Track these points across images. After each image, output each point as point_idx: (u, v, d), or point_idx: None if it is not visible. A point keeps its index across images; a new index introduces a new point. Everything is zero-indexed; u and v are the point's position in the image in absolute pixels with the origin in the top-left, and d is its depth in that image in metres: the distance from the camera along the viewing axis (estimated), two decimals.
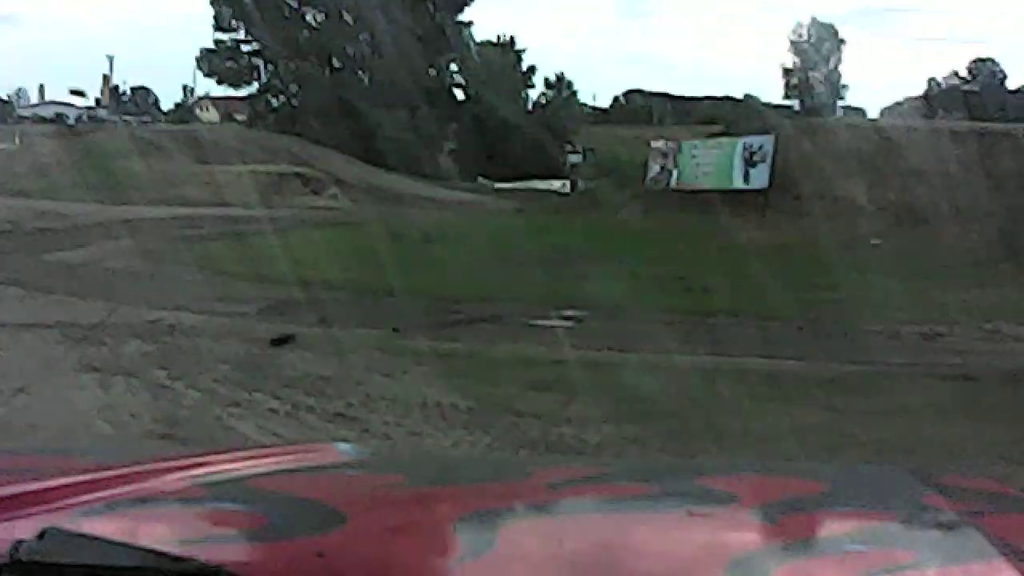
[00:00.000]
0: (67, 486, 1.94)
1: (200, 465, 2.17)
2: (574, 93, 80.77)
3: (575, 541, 1.87)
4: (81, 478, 2.00)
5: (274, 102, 70.32)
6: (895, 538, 1.92)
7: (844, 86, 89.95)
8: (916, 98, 78.97)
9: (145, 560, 1.53)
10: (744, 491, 2.21)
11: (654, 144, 45.40)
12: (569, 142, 68.59)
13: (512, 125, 63.25)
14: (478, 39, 72.53)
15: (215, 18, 70.21)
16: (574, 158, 63.73)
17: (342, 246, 29.07)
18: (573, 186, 58.75)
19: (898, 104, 79.60)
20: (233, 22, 69.51)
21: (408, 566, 1.72)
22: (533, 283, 21.30)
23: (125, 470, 2.08)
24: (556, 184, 60.07)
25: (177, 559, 1.53)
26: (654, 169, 43.85)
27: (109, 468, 2.09)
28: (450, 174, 61.83)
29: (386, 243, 27.24)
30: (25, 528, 1.61)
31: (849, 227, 31.63)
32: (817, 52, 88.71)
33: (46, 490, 1.90)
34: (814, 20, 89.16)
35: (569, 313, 18.55)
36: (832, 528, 1.98)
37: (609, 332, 16.52)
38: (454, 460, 3.47)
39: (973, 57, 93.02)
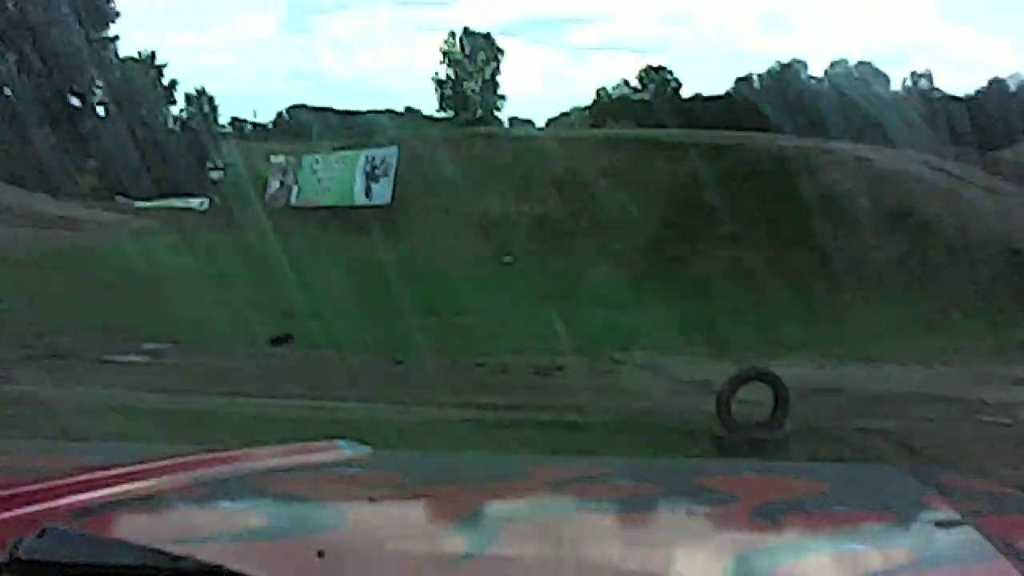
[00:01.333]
0: (66, 485, 1.90)
1: (200, 465, 2.14)
2: (215, 108, 79.69)
3: (575, 541, 1.88)
4: (80, 477, 1.95)
5: None
6: (895, 538, 1.99)
7: (502, 97, 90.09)
8: (585, 108, 79.90)
9: (144, 559, 1.51)
10: (744, 491, 2.23)
11: (273, 160, 43.71)
12: (211, 159, 67.49)
13: (152, 142, 61.66)
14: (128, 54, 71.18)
15: None
16: (216, 175, 62.31)
17: None
18: (212, 204, 57.62)
19: (565, 115, 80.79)
20: None
21: (408, 566, 1.72)
22: (126, 312, 19.92)
23: (125, 469, 2.03)
24: (194, 202, 58.29)
25: (176, 558, 1.51)
26: (273, 186, 42.18)
27: (109, 468, 2.04)
28: (91, 193, 59.97)
29: None
30: (24, 527, 1.57)
31: (481, 244, 30.09)
32: (472, 63, 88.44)
33: (46, 489, 1.86)
34: (467, 30, 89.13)
35: (151, 347, 17.58)
36: (832, 528, 2.01)
37: (187, 369, 15.50)
38: (454, 460, 3.41)
39: (644, 66, 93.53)
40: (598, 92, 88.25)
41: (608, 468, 2.65)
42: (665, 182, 29.53)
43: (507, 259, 29.03)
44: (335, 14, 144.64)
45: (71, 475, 1.96)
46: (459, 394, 14.33)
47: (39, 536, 1.52)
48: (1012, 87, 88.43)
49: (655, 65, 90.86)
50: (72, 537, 1.56)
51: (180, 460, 2.17)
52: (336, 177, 39.77)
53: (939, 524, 1.99)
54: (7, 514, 1.74)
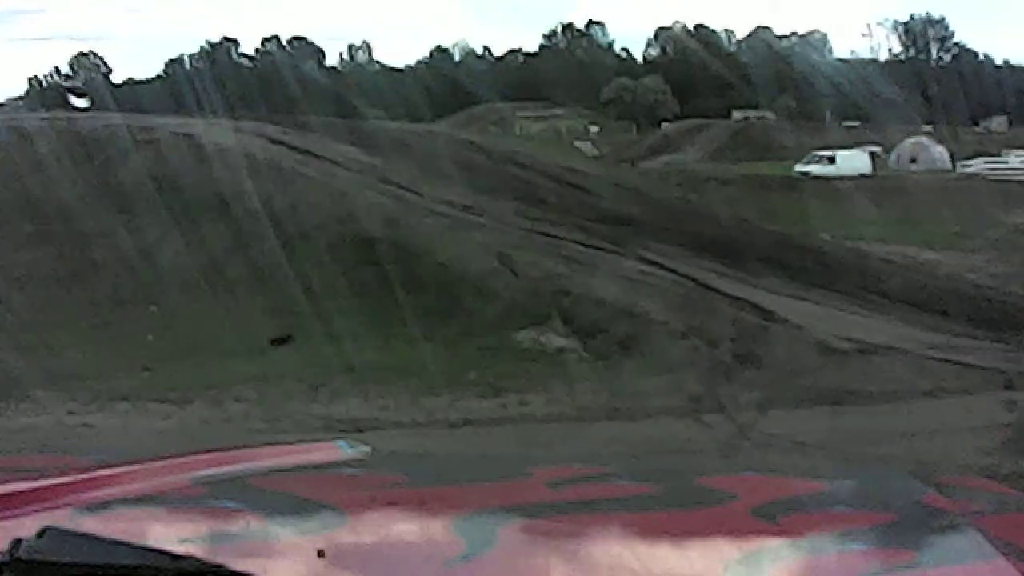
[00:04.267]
0: (67, 485, 1.90)
1: (200, 464, 2.14)
2: None
3: (575, 541, 1.87)
4: (81, 477, 1.96)
5: None
6: (895, 538, 1.96)
7: None
8: (17, 98, 76.98)
9: (145, 559, 1.51)
10: (744, 491, 2.22)
11: None
12: None
13: None
14: None
15: None
16: None
17: None
18: None
19: (2, 106, 78.73)
20: None
21: (408, 566, 1.71)
22: None
23: (125, 469, 2.04)
24: None
25: (177, 558, 1.51)
26: None
27: (109, 467, 2.05)
28: None
29: None
30: (25, 526, 1.56)
31: None
32: None
33: (46, 488, 1.87)
34: None
35: None
36: (832, 528, 2.00)
37: None
38: (454, 460, 3.41)
39: (75, 53, 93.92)
40: (30, 81, 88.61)
41: (608, 468, 2.66)
42: None
43: None
44: None
45: (71, 475, 1.96)
46: None
47: (39, 536, 1.51)
48: (457, 56, 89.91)
49: (86, 51, 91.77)
50: (72, 537, 1.54)
51: (180, 460, 2.17)
52: None
53: (939, 524, 1.99)
54: (8, 513, 1.74)
